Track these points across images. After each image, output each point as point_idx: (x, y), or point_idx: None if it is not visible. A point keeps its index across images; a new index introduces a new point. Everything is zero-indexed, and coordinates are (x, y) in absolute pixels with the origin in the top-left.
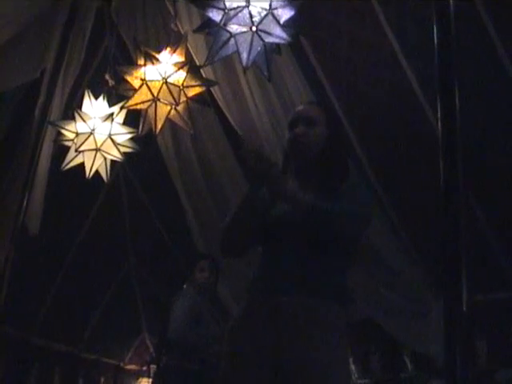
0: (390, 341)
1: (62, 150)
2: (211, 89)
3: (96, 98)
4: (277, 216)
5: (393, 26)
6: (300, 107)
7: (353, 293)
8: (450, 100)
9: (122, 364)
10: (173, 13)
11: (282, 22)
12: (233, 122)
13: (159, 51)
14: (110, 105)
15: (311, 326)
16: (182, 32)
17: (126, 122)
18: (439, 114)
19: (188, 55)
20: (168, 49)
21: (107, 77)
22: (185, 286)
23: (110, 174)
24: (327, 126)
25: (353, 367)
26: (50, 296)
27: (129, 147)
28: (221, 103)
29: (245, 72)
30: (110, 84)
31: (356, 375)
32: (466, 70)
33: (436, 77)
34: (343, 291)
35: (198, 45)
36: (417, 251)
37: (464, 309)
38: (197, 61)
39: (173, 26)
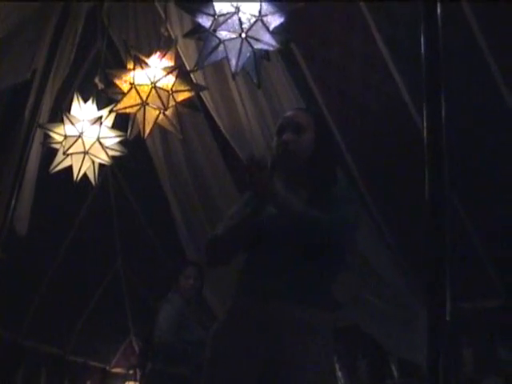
0: (377, 348)
1: (50, 153)
2: (201, 93)
3: (85, 101)
4: (266, 220)
5: (382, 32)
6: (288, 113)
7: (338, 300)
8: (435, 105)
9: (108, 367)
10: (163, 17)
11: (271, 28)
12: (222, 127)
13: (149, 55)
14: (99, 108)
15: (298, 331)
16: (173, 36)
17: (114, 126)
18: (425, 120)
19: (178, 60)
20: (158, 53)
21: (97, 80)
22: (170, 293)
23: (99, 178)
24: (316, 133)
25: (339, 374)
26: (38, 298)
27: (117, 151)
28: (210, 108)
29: (234, 78)
30: (100, 87)
31: (343, 382)
32: (453, 73)
33: (423, 81)
34: (330, 298)
35: (188, 49)
36: (404, 258)
37: (447, 317)
38: (187, 65)
39: (163, 30)
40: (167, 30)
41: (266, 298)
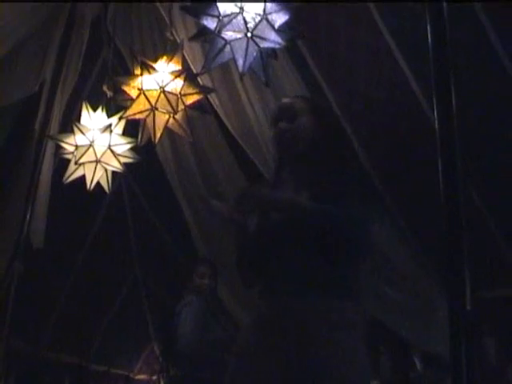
0: (399, 341)
1: (63, 163)
2: (209, 95)
3: (94, 109)
4: (276, 223)
5: (389, 26)
6: (282, 101)
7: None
8: (446, 97)
9: (131, 374)
10: (168, 21)
11: (276, 26)
12: (231, 128)
13: (156, 60)
14: (109, 116)
15: (324, 327)
16: (178, 40)
17: (125, 132)
18: (436, 113)
19: (185, 63)
20: (164, 57)
21: (105, 88)
22: (187, 296)
23: (112, 185)
24: (313, 115)
25: None
26: (58, 308)
27: (129, 157)
28: (219, 109)
29: (241, 78)
30: (108, 95)
31: None
32: (463, 66)
33: (432, 76)
34: (354, 289)
35: (194, 52)
36: (422, 250)
37: (468, 306)
38: (194, 68)
39: (168, 34)
40: (172, 34)
41: (289, 295)
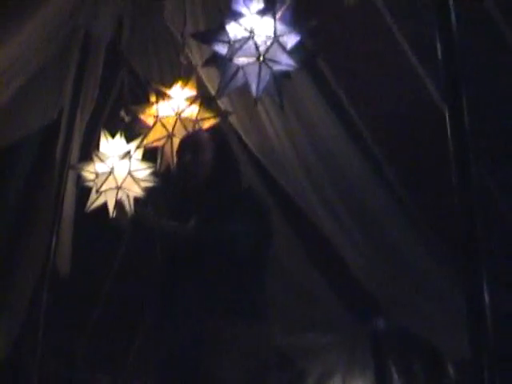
0: (430, 349)
1: (85, 190)
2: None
3: (113, 135)
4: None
5: (406, 36)
6: (187, 135)
7: (267, 309)
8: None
9: None
10: (181, 45)
11: (288, 48)
12: (252, 148)
13: (171, 86)
14: (128, 140)
15: (220, 347)
16: (193, 62)
17: (144, 157)
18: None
19: (200, 86)
20: (179, 83)
21: (122, 113)
22: None
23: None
24: (214, 151)
25: (396, 376)
26: (89, 329)
27: (150, 181)
28: (239, 130)
29: (255, 103)
30: (126, 120)
31: None
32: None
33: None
34: (252, 308)
35: (210, 73)
36: (441, 249)
37: (486, 301)
38: (211, 88)
39: (182, 59)
40: (186, 57)
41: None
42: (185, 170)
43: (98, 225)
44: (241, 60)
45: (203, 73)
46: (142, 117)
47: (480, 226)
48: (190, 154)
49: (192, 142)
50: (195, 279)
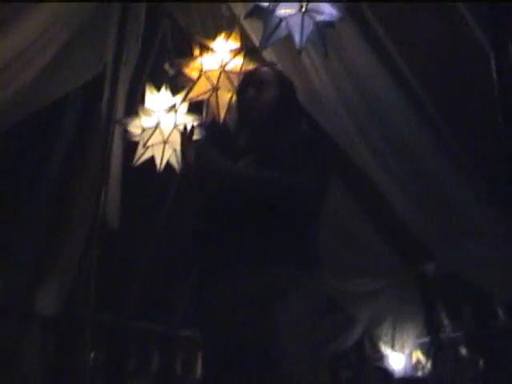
0: (479, 292)
1: (132, 144)
2: None
3: (158, 89)
4: (224, 196)
5: None
6: (251, 69)
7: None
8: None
9: None
10: None
11: None
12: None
13: (214, 38)
14: (174, 93)
15: (271, 295)
16: (236, 14)
17: (190, 110)
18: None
19: (243, 38)
20: (222, 35)
21: (166, 67)
22: None
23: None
24: (279, 87)
25: (445, 322)
26: (139, 281)
27: (196, 134)
28: None
29: (299, 53)
30: (170, 73)
31: (448, 329)
32: None
33: None
34: (311, 255)
35: (253, 24)
36: (493, 196)
37: None
38: (255, 39)
39: (224, 10)
40: (228, 9)
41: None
42: (247, 106)
43: (146, 178)
44: (283, 11)
45: (247, 25)
46: (187, 70)
47: None
48: (254, 89)
49: (256, 76)
50: (252, 226)
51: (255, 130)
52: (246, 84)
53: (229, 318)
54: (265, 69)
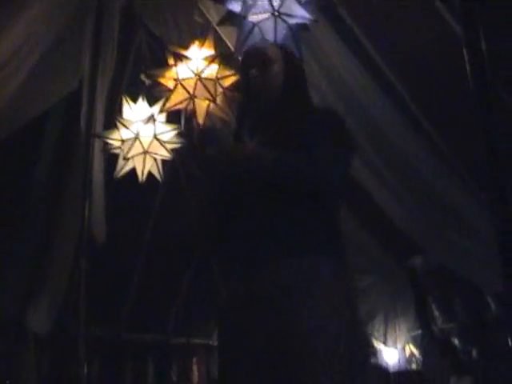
0: (470, 284)
1: (113, 157)
2: None
3: (135, 100)
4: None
5: None
6: (253, 46)
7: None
8: None
9: (211, 342)
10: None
11: (302, 0)
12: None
13: (187, 47)
14: (151, 103)
15: (298, 286)
16: (210, 19)
17: (168, 119)
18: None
19: (218, 44)
20: (196, 43)
21: (142, 77)
22: None
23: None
24: (284, 63)
25: (437, 313)
26: (131, 291)
27: (176, 143)
28: None
29: None
30: (147, 84)
31: (441, 320)
32: None
33: None
34: (329, 243)
35: (228, 29)
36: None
37: None
38: (230, 45)
39: (197, 17)
40: (202, 16)
41: (262, 258)
42: (253, 85)
43: (130, 190)
44: (255, 17)
45: (222, 31)
46: (163, 80)
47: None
48: (257, 67)
49: (257, 53)
50: (273, 214)
51: (265, 108)
52: (249, 64)
53: (250, 308)
54: (266, 46)
